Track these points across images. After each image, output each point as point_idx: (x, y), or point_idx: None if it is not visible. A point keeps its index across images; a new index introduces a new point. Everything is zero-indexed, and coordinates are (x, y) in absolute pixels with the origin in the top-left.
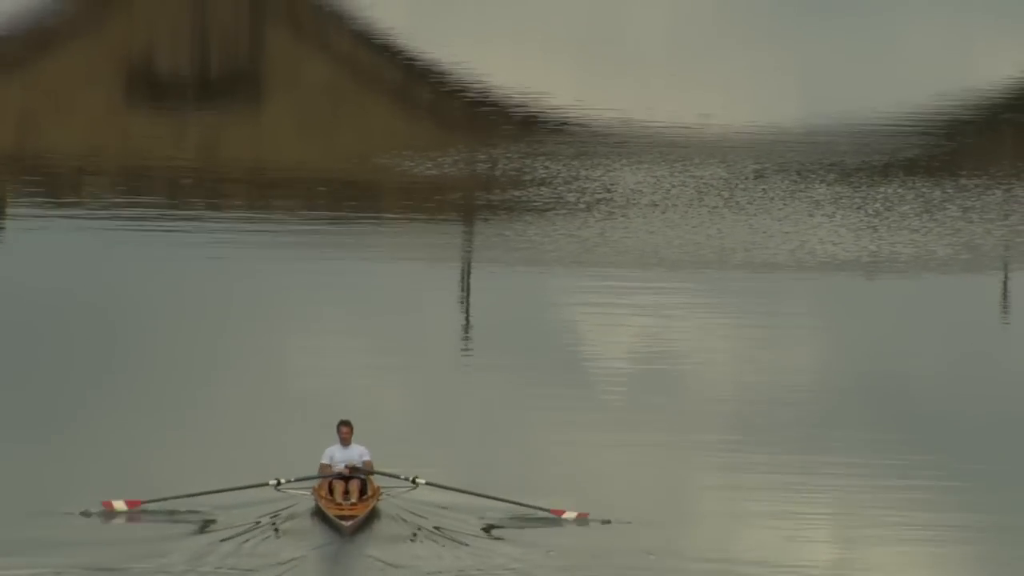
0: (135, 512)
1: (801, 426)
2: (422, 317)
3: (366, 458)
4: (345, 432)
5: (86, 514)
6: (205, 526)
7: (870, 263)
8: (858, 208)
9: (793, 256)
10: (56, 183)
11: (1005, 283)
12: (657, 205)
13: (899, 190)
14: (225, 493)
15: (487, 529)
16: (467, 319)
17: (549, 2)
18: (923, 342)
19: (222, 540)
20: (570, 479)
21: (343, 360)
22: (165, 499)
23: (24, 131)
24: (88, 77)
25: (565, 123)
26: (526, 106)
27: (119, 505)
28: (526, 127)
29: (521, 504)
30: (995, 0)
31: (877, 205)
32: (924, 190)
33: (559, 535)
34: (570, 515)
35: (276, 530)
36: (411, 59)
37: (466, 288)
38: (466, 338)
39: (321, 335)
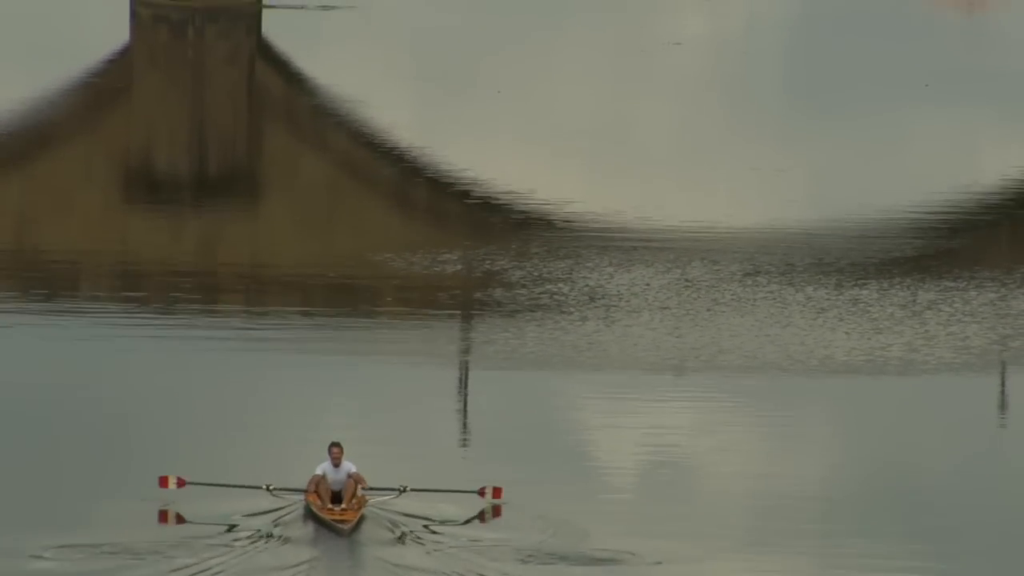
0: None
1: (804, 533)
2: (419, 415)
3: (354, 471)
4: (336, 453)
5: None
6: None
7: (865, 364)
8: (852, 309)
9: (787, 358)
10: (53, 281)
11: (1002, 385)
12: (660, 308)
13: (892, 290)
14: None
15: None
16: (465, 420)
17: (551, 100)
18: (923, 446)
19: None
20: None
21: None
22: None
23: (21, 229)
24: (86, 176)
25: (565, 223)
26: (525, 205)
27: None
28: (524, 226)
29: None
30: (1002, 100)
31: (871, 306)
32: (919, 291)
33: None
34: (488, 491)
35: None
36: (409, 157)
37: (464, 388)
38: (464, 435)
39: (317, 430)
